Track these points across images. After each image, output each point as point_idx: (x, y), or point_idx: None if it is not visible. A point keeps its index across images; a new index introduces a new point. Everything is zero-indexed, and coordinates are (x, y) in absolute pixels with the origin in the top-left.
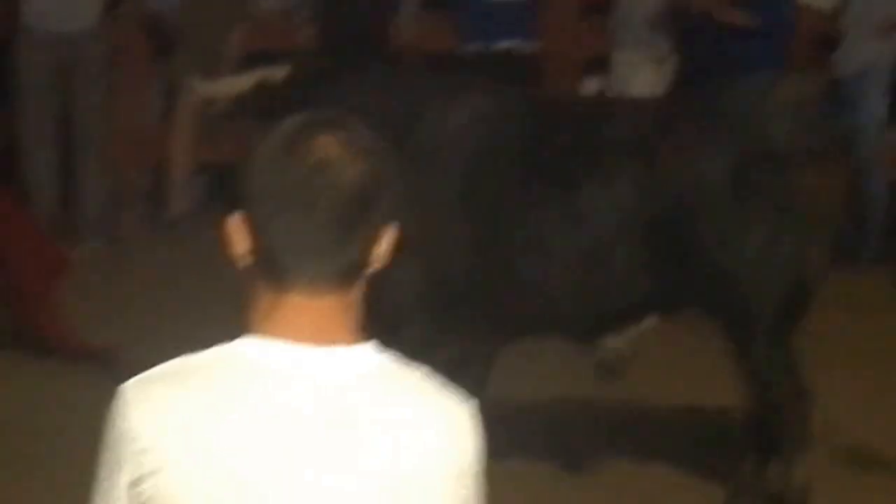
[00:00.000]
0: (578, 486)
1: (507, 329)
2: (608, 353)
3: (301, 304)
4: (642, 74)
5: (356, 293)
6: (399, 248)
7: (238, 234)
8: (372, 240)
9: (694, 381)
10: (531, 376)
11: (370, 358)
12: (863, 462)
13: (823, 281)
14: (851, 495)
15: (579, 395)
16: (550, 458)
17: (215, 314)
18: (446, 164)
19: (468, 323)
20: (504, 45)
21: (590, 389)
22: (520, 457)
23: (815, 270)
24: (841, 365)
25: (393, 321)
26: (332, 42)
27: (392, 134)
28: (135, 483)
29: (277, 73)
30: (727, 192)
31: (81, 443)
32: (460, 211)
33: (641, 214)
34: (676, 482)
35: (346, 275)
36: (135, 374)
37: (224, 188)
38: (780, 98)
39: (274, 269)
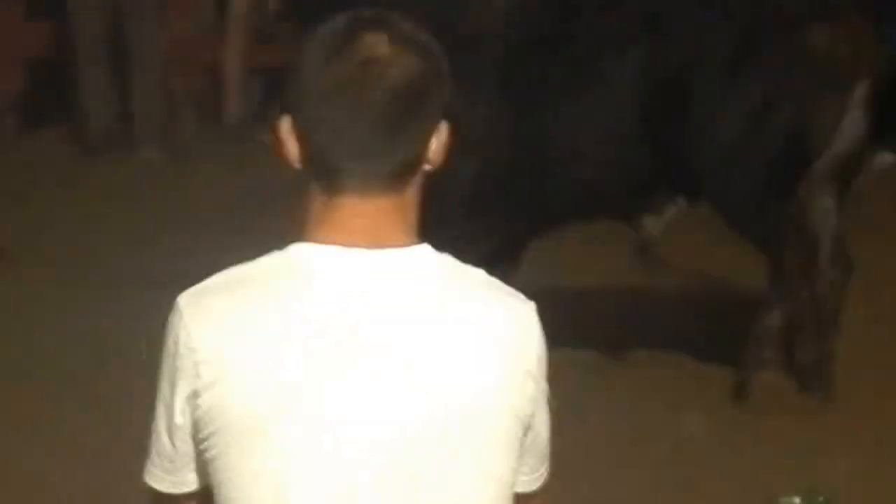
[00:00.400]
0: (608, 374)
1: (544, 215)
2: (644, 234)
3: (354, 206)
4: None
5: (411, 193)
6: (453, 144)
7: (289, 138)
8: (424, 137)
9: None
10: (559, 266)
11: (428, 259)
12: None
13: (846, 149)
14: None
15: (609, 283)
16: (581, 347)
17: (273, 219)
18: (488, 54)
19: (509, 212)
20: None
21: (619, 278)
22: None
23: (824, 132)
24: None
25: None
26: None
27: (434, 25)
28: (194, 394)
29: None
30: (729, 54)
31: None
32: (501, 99)
33: (650, 86)
34: (709, 357)
35: (399, 174)
36: (193, 283)
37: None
38: None
39: (325, 170)
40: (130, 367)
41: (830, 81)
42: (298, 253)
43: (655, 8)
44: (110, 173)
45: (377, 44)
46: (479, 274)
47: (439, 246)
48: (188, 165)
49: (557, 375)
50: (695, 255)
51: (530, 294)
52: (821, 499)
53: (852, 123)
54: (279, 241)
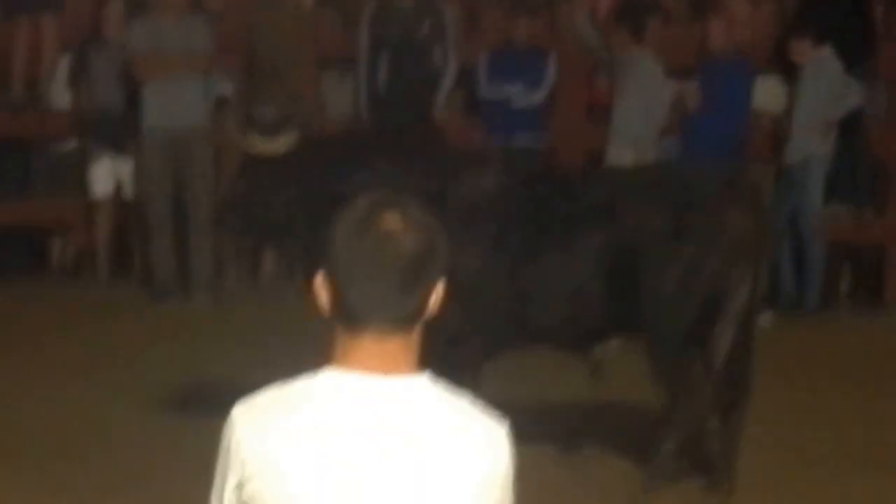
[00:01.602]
0: (570, 465)
1: (517, 340)
2: (595, 359)
3: (371, 344)
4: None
5: (415, 335)
6: (447, 296)
7: (321, 290)
8: (427, 293)
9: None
10: (532, 380)
11: (425, 386)
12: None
13: (749, 310)
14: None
15: (570, 395)
16: (547, 446)
17: (302, 351)
18: (481, 219)
19: (487, 334)
20: (521, 140)
21: (579, 390)
22: (524, 443)
23: (733, 292)
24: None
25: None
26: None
27: (433, 196)
28: (239, 484)
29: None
30: (665, 233)
31: None
32: (490, 252)
33: (606, 254)
34: (640, 460)
35: (407, 322)
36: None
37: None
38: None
39: (350, 318)
40: (184, 467)
41: (739, 258)
42: (326, 378)
43: (610, 193)
44: (169, 314)
45: (392, 222)
46: (464, 399)
47: (435, 363)
48: (229, 311)
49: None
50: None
51: (502, 403)
52: None
53: (752, 286)
54: (307, 367)
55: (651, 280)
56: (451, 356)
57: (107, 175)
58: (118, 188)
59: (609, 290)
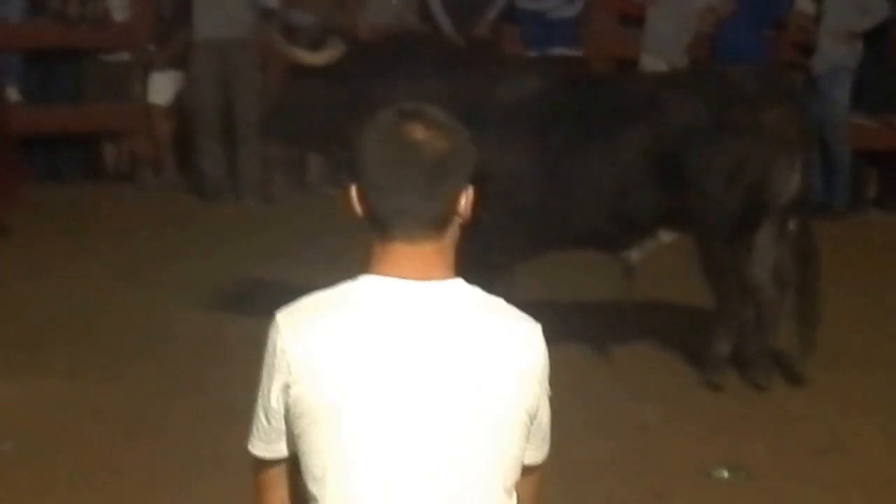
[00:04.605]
0: (602, 363)
1: (557, 242)
2: (629, 263)
3: (402, 249)
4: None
5: (447, 240)
6: (477, 203)
7: (354, 199)
8: (453, 198)
9: (691, 287)
10: (564, 283)
11: (461, 289)
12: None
13: (798, 198)
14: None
15: (603, 296)
16: (581, 343)
17: (342, 256)
18: (523, 121)
19: (527, 238)
20: (557, 50)
21: (611, 292)
22: (557, 343)
23: (776, 188)
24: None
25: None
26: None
27: (473, 101)
28: (286, 386)
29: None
30: (710, 129)
31: None
32: (533, 154)
33: (653, 152)
34: (672, 358)
35: (435, 225)
36: (281, 301)
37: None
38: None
39: (379, 224)
40: (235, 363)
41: (781, 151)
42: (365, 283)
43: (654, 93)
44: (220, 216)
45: (415, 131)
46: (500, 301)
47: (469, 267)
48: (278, 212)
49: (551, 370)
50: (662, 281)
51: (536, 305)
52: (743, 472)
53: (794, 182)
54: (346, 270)
55: (695, 174)
56: (488, 259)
57: (166, 84)
58: (177, 97)
59: (654, 186)
